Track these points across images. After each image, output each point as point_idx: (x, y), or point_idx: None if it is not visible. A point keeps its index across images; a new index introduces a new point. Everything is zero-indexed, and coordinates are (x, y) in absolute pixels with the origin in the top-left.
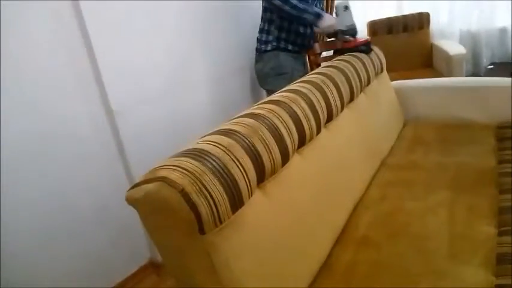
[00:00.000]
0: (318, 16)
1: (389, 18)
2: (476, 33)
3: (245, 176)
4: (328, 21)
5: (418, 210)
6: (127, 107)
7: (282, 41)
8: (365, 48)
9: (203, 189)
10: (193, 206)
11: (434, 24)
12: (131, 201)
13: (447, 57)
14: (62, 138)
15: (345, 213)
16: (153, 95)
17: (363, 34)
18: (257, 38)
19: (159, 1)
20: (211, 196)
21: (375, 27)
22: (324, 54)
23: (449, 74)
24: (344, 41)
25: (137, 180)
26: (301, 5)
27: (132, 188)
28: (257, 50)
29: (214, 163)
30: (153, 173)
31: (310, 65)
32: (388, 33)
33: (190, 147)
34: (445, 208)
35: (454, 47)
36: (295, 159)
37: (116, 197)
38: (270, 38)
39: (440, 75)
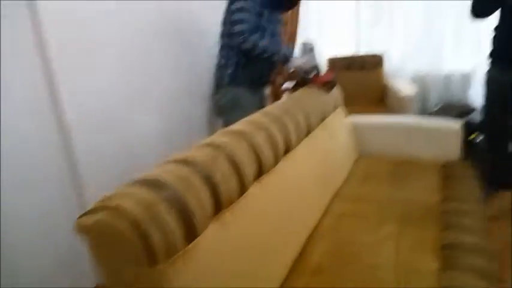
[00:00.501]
0: (287, 58)
1: (347, 57)
2: (425, 76)
3: (201, 207)
4: (297, 61)
5: (369, 241)
6: (83, 127)
7: (239, 76)
8: (329, 86)
9: (156, 220)
10: (145, 237)
11: (388, 65)
12: (80, 230)
13: (399, 97)
14: (11, 157)
15: (300, 242)
16: (109, 117)
17: (322, 70)
18: (214, 72)
19: (118, 22)
20: (164, 227)
21: (334, 63)
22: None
23: (401, 112)
24: (308, 79)
25: (88, 207)
26: (271, 48)
27: (82, 216)
28: (214, 82)
29: (169, 193)
30: (105, 201)
31: (271, 96)
32: (346, 70)
33: (146, 175)
34: (393, 241)
35: (405, 88)
36: (253, 189)
37: (65, 219)
38: (228, 72)
39: (393, 112)
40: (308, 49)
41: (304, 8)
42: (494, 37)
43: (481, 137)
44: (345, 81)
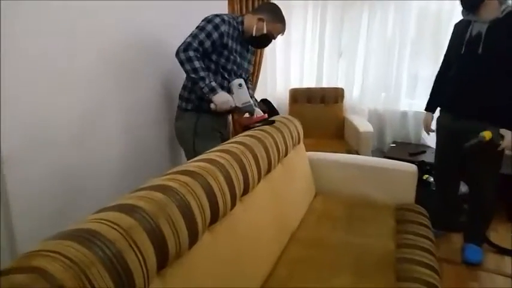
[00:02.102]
0: (212, 90)
1: (309, 89)
2: (382, 113)
3: (143, 265)
4: (222, 97)
5: None
6: (20, 152)
7: (204, 101)
8: (260, 125)
9: (87, 286)
10: None
11: (348, 100)
12: None
13: (357, 133)
14: None
15: None
16: (54, 142)
17: (285, 99)
18: (179, 94)
19: (75, 42)
20: None
21: (296, 94)
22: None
23: (358, 148)
24: (245, 118)
25: (4, 267)
26: (202, 73)
27: None
28: (178, 107)
29: (107, 250)
30: (28, 260)
31: (233, 124)
32: (307, 102)
33: (80, 226)
34: None
35: (363, 124)
36: (204, 239)
37: None
38: (192, 96)
39: (350, 147)
40: (236, 85)
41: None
42: (440, 85)
43: (432, 179)
44: (305, 113)
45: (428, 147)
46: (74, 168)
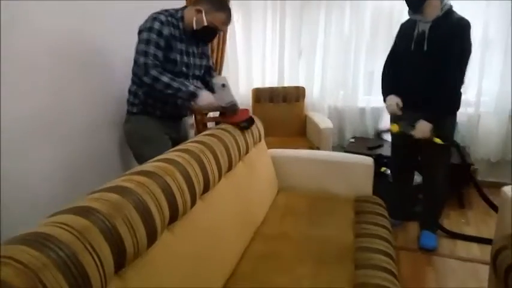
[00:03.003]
0: (193, 95)
1: (271, 88)
2: (342, 110)
3: (99, 266)
4: (206, 99)
5: (285, 283)
6: None
7: (149, 106)
8: (246, 124)
9: None
10: None
11: (308, 98)
12: None
13: (318, 130)
14: None
15: None
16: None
17: (247, 99)
18: (127, 99)
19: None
20: None
21: (258, 94)
22: (211, 114)
23: (320, 144)
24: (226, 117)
25: None
26: (175, 84)
27: None
28: (127, 110)
29: (61, 253)
30: None
31: (196, 125)
32: (269, 102)
33: (33, 230)
34: (309, 281)
35: (323, 121)
36: (164, 238)
37: None
38: (137, 101)
39: (312, 144)
40: (220, 86)
41: (230, 39)
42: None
43: (389, 171)
44: (268, 112)
45: (386, 141)
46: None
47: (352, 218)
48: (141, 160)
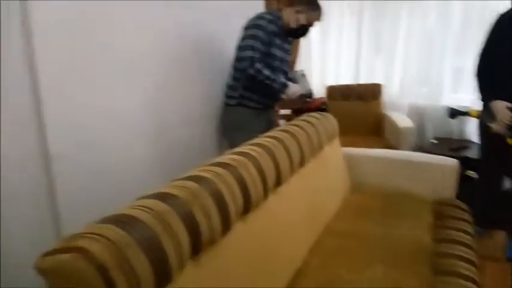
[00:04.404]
0: (285, 86)
1: (346, 85)
2: (423, 108)
3: (177, 249)
4: (293, 88)
5: (355, 282)
6: (67, 151)
7: (246, 98)
8: (325, 107)
9: (125, 265)
10: (111, 284)
11: (386, 96)
12: (41, 271)
13: (396, 129)
14: None
15: (284, 282)
16: (98, 140)
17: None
18: (224, 91)
19: (119, 41)
20: (134, 272)
21: (332, 92)
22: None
23: (398, 145)
24: (304, 102)
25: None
26: (272, 76)
27: (45, 255)
28: (225, 103)
29: (143, 233)
30: (71, 241)
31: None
32: (344, 99)
33: (119, 212)
34: (380, 283)
35: (403, 120)
36: (237, 228)
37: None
38: (235, 94)
39: (389, 144)
40: (300, 76)
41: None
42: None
43: (476, 175)
44: (342, 110)
45: (472, 142)
46: (114, 166)
47: (430, 221)
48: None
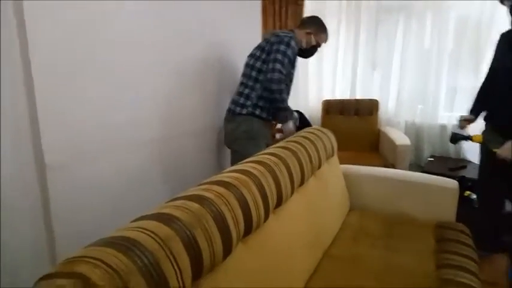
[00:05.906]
0: (286, 119)
1: (342, 100)
2: (420, 126)
3: (179, 276)
4: (290, 127)
5: None
6: (62, 162)
7: (258, 108)
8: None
9: None
10: None
11: (383, 113)
12: None
13: (393, 146)
14: None
15: None
16: (94, 151)
17: (317, 111)
18: (233, 100)
19: (121, 54)
20: None
21: (328, 106)
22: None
23: (394, 162)
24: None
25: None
26: (286, 102)
27: (42, 279)
28: (231, 110)
29: (145, 260)
30: (70, 266)
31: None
32: (340, 114)
33: (120, 234)
34: None
35: (400, 137)
36: (238, 250)
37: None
38: (248, 103)
39: (386, 161)
40: (296, 118)
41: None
42: (485, 96)
43: (475, 196)
44: (338, 124)
45: (469, 162)
46: (111, 177)
47: (433, 245)
48: (240, 158)
